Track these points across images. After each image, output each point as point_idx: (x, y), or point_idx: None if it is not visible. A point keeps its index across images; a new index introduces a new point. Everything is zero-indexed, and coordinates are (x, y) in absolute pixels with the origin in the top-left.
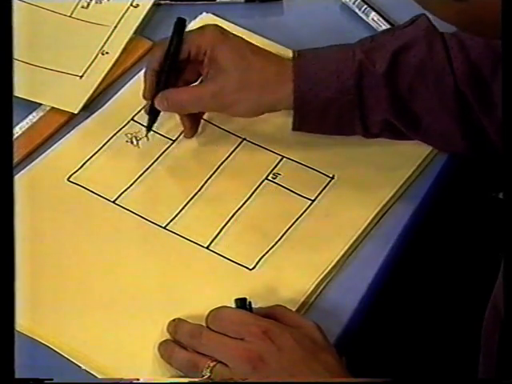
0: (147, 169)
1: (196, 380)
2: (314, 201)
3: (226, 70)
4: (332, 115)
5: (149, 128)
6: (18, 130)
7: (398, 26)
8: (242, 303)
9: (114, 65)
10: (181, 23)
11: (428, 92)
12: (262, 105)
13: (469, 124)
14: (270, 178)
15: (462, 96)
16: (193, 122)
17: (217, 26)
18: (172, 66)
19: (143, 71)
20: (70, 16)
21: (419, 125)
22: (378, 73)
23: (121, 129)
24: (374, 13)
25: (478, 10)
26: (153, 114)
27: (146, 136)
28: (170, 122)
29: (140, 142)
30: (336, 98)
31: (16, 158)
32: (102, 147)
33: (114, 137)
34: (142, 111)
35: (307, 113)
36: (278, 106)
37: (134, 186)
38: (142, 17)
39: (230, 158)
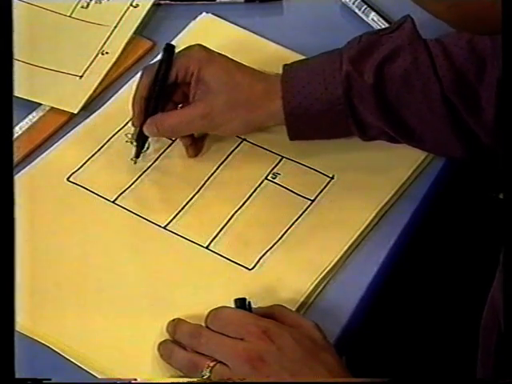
0: (147, 169)
1: (196, 380)
2: (313, 201)
3: (214, 89)
4: (326, 125)
5: (137, 155)
6: (17, 130)
7: (384, 29)
8: (241, 303)
9: (113, 65)
10: (169, 49)
11: (416, 101)
12: (251, 122)
13: (460, 129)
14: (269, 177)
15: (449, 102)
16: (192, 141)
17: (201, 46)
18: (161, 91)
19: (131, 98)
20: (69, 16)
21: (413, 133)
22: (366, 84)
23: (121, 129)
24: (373, 13)
25: (468, 5)
26: (141, 141)
27: (135, 162)
28: None
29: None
30: (327, 110)
31: (16, 158)
32: (101, 147)
33: (114, 137)
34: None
35: (300, 126)
36: (268, 123)
37: (133, 186)
38: (141, 17)
39: (229, 158)
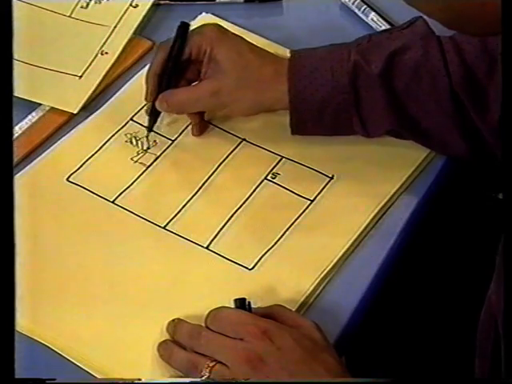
0: (147, 169)
1: (195, 380)
2: (313, 201)
3: (225, 68)
4: (328, 114)
5: (149, 129)
6: (17, 130)
7: (395, 28)
8: (241, 303)
9: (113, 65)
10: (184, 27)
11: (424, 94)
12: (259, 103)
13: (465, 126)
14: (269, 177)
15: (457, 98)
16: (200, 119)
17: (216, 24)
18: (174, 68)
19: (145, 74)
20: (69, 16)
21: (418, 127)
22: (374, 73)
23: (120, 129)
24: (373, 13)
25: (460, 6)
26: (153, 116)
27: (147, 137)
28: (169, 122)
29: (139, 143)
30: (331, 97)
31: (16, 158)
32: (101, 147)
33: (114, 137)
34: (142, 111)
35: (303, 112)
36: (275, 105)
37: (133, 186)
38: (141, 17)
39: (229, 158)
